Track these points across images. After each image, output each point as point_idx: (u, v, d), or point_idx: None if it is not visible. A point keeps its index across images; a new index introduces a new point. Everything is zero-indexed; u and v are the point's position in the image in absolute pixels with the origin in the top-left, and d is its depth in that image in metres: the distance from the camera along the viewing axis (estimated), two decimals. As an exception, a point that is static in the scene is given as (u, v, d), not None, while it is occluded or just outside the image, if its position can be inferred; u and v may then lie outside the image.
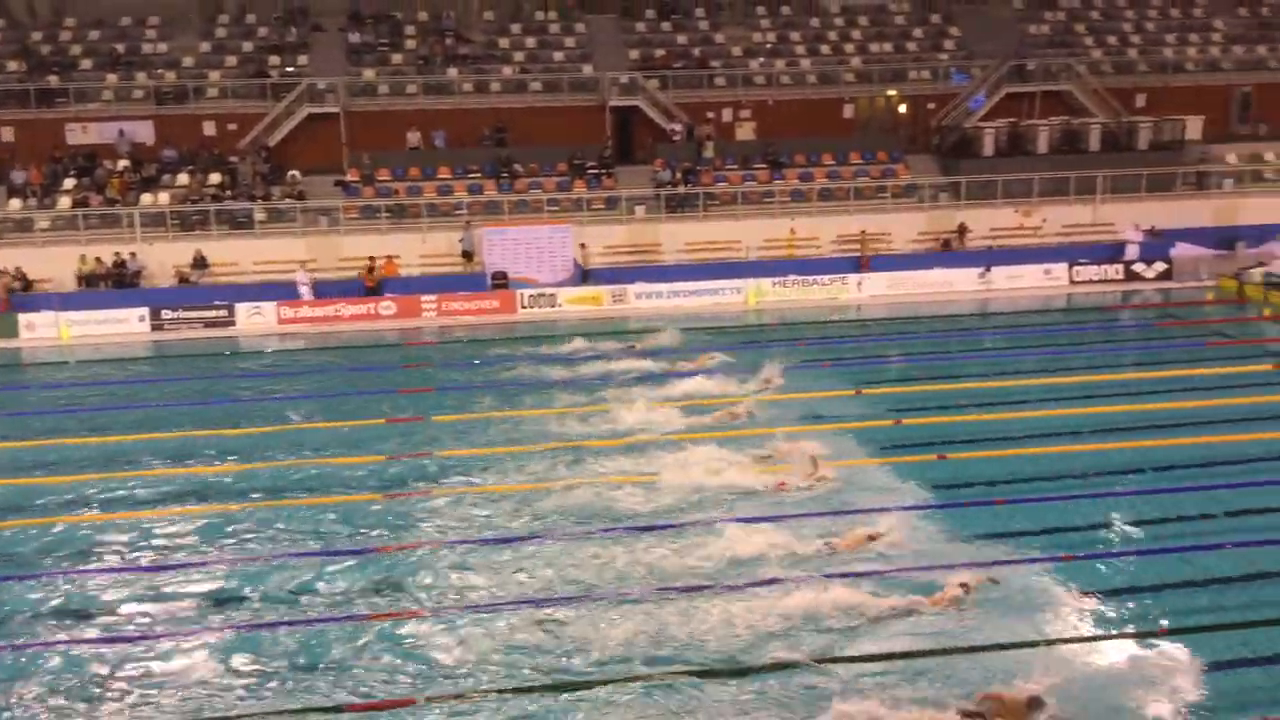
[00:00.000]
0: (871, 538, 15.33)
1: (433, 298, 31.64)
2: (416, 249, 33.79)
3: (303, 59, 38.13)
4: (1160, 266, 33.19)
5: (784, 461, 18.31)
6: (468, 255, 33.33)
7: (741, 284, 32.30)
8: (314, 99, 36.47)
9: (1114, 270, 33.25)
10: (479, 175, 36.22)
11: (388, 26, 39.92)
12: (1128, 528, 16.29)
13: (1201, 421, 20.61)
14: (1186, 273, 33.16)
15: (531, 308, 31.78)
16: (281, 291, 31.69)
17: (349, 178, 35.50)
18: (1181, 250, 33.72)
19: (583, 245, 32.99)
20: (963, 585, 13.55)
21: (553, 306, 31.81)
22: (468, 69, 38.25)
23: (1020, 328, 29.02)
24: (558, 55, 39.23)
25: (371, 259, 32.38)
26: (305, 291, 31.74)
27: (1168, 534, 15.98)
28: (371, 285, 32.12)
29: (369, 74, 37.92)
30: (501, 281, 32.55)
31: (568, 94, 37.85)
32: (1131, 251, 33.39)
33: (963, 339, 27.99)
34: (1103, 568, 14.86)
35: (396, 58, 38.78)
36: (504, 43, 39.64)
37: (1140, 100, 39.74)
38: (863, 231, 33.95)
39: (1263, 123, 40.61)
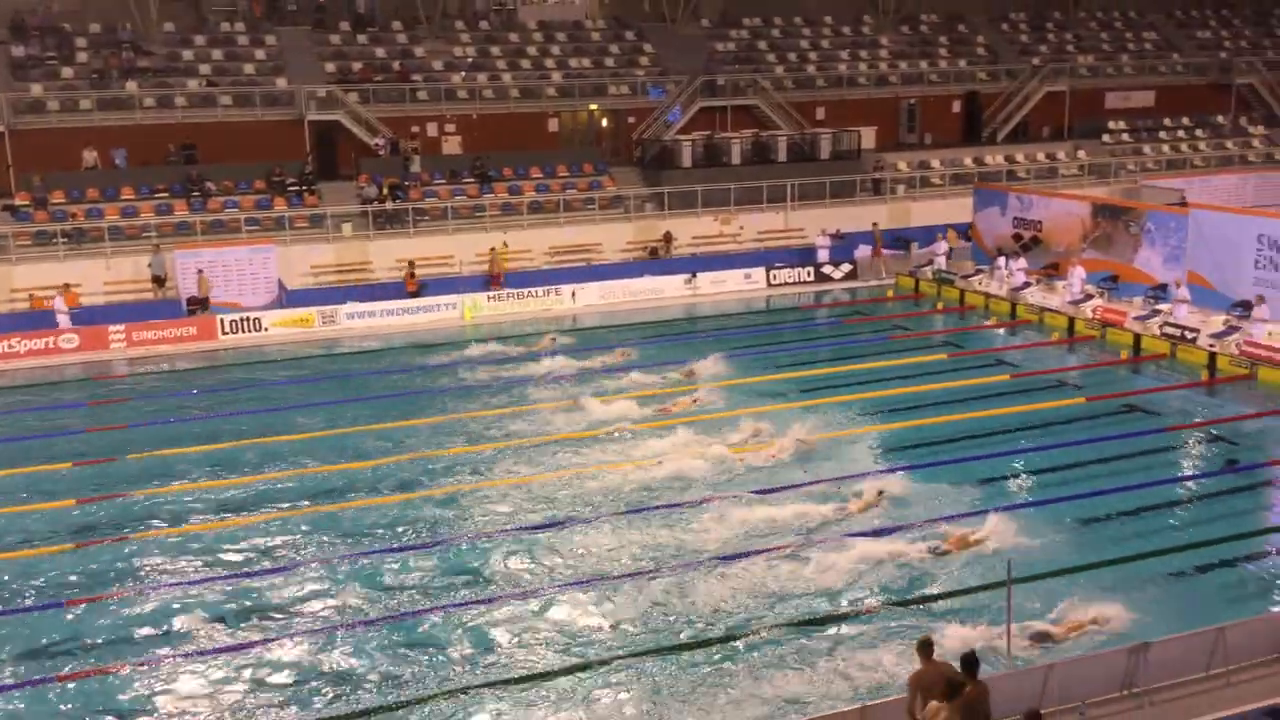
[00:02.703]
0: (879, 494, 17.31)
1: (120, 327, 29.39)
2: (100, 276, 31.35)
3: (-45, 72, 34.58)
4: (846, 267, 35.63)
5: (760, 440, 20.09)
6: (158, 280, 31.25)
7: (456, 299, 32.00)
8: (-28, 117, 33.16)
9: (806, 273, 35.38)
10: (167, 195, 34.02)
11: (56, 39, 36.78)
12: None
13: (890, 409, 22.32)
14: (869, 272, 35.79)
15: (234, 333, 30.13)
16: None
17: (18, 201, 32.41)
18: (864, 252, 36.37)
19: (200, 271, 30.95)
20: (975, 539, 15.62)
21: (258, 331, 30.31)
22: (148, 83, 35.88)
23: (726, 330, 30.26)
24: (248, 68, 37.49)
25: (411, 262, 32.09)
26: (64, 319, 29.14)
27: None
28: (413, 289, 31.59)
29: (36, 89, 34.78)
30: (199, 307, 30.71)
31: (261, 108, 36.22)
32: (822, 254, 35.68)
33: (676, 343, 28.73)
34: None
35: (67, 72, 35.82)
36: (188, 55, 37.46)
37: (820, 113, 42.55)
38: (492, 249, 33.41)
39: (927, 132, 44.50)
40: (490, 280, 32.99)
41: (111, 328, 29.29)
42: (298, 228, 33.91)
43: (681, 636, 13.85)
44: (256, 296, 31.63)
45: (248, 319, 30.33)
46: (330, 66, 38.22)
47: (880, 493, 17.44)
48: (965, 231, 35.99)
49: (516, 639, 13.94)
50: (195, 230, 32.90)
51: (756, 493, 18.00)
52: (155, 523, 17.72)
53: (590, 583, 15.25)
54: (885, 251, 36.30)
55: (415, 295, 31.88)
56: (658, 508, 17.64)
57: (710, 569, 15.42)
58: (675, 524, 17.01)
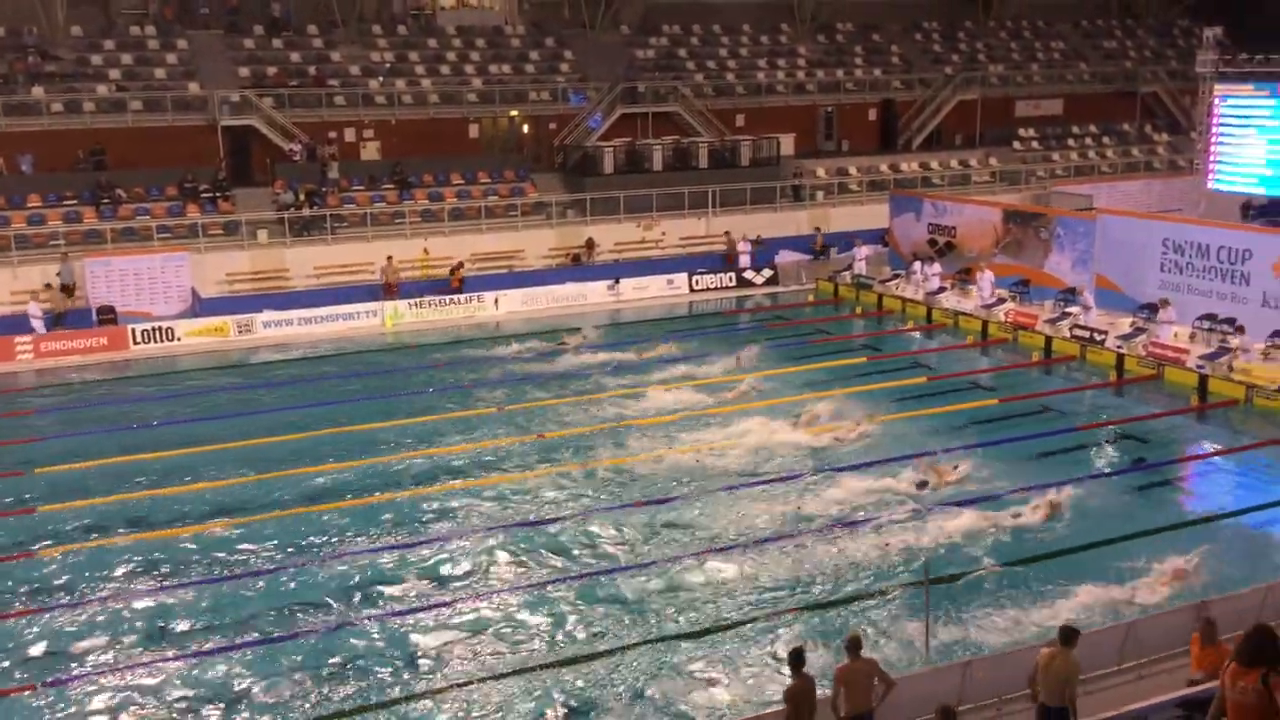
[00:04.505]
0: (952, 468, 18.53)
1: (28, 338, 28.54)
2: (6, 285, 30.40)
3: None
4: (768, 273, 35.99)
5: (821, 423, 21.30)
6: (67, 289, 30.42)
7: (377, 306, 31.65)
8: None
9: (728, 278, 35.65)
10: (75, 202, 33.15)
11: (-45, 40, 35.67)
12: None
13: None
14: (790, 277, 36.19)
15: (145, 343, 29.44)
16: None
17: (-84, 208, 31.39)
18: (784, 257, 36.77)
19: (49, 286, 30.08)
20: (1052, 503, 17.06)
21: (171, 340, 29.65)
22: (55, 87, 34.91)
23: (654, 336, 30.16)
24: (159, 72, 36.67)
25: (460, 263, 33.28)
26: (39, 325, 28.43)
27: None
28: (456, 285, 32.62)
29: (-65, 92, 33.73)
30: (109, 316, 29.95)
31: (173, 113, 35.42)
32: (744, 260, 35.98)
33: (603, 352, 28.63)
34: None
35: (-32, 75, 34.76)
36: (96, 59, 36.52)
37: (740, 120, 42.93)
38: (389, 258, 32.84)
39: (844, 140, 45.15)
40: (384, 290, 32.46)
41: (18, 338, 28.43)
42: (211, 235, 33.27)
43: (809, 595, 14.96)
44: (169, 306, 30.95)
45: (160, 329, 29.66)
46: (244, 71, 37.57)
47: (956, 467, 18.66)
48: (882, 237, 36.58)
49: (665, 602, 14.91)
50: (105, 238, 32.11)
51: (840, 469, 19.14)
52: (66, 538, 17.24)
53: (711, 552, 16.24)
54: (806, 257, 36.80)
55: (459, 291, 32.69)
56: (753, 484, 18.71)
57: (820, 537, 16.52)
58: (774, 498, 18.09)
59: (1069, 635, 10.42)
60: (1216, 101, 37.92)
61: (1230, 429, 22.03)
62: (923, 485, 18.17)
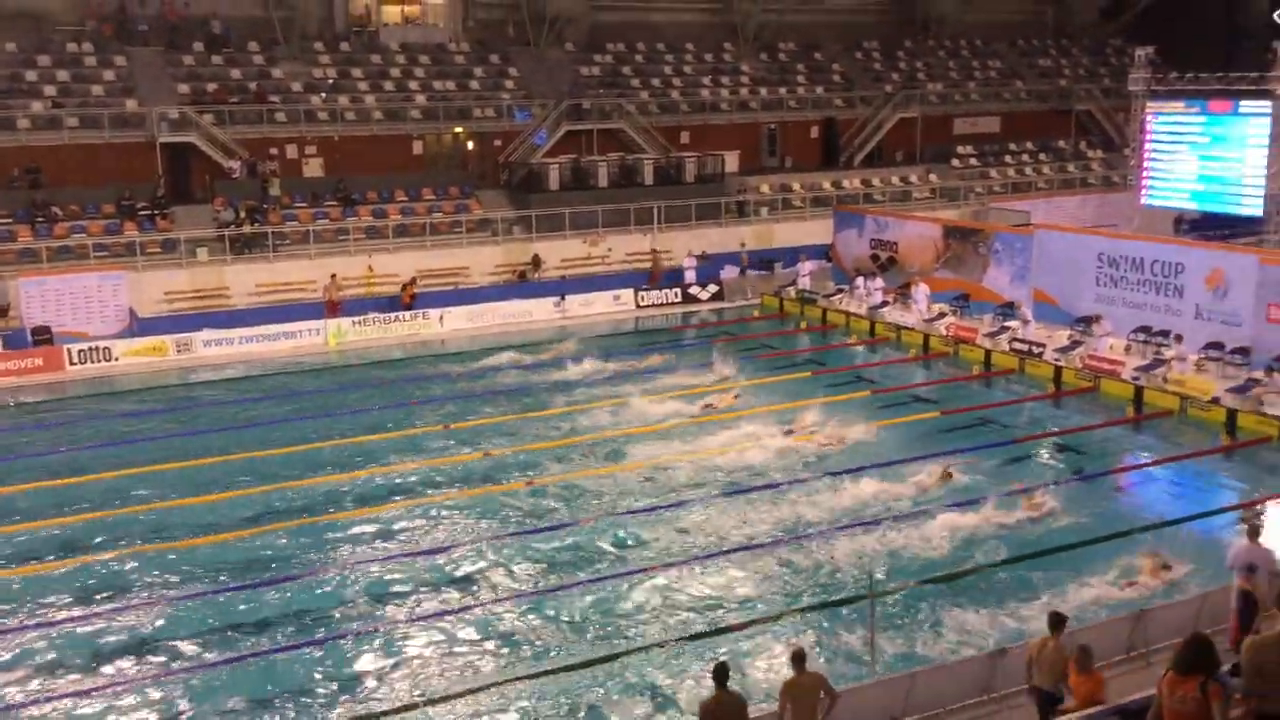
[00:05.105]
0: (948, 474, 19.09)
1: (-41, 359, 27.95)
2: (-64, 306, 29.76)
3: None
4: (713, 288, 36.17)
5: (806, 432, 21.71)
6: (1, 310, 29.79)
7: (320, 325, 31.35)
8: None
9: (674, 294, 35.80)
10: (10, 220, 32.48)
11: (-116, 55, 34.86)
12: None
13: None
14: (734, 293, 36.40)
15: (82, 364, 28.90)
16: None
17: None
18: (729, 273, 36.99)
19: None
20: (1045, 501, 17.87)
21: (108, 360, 29.14)
22: (-12, 104, 34.28)
23: (597, 351, 30.17)
24: (96, 89, 36.08)
25: (413, 279, 33.23)
26: None
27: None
28: (407, 302, 32.50)
29: None
30: (45, 337, 29.36)
31: (110, 130, 34.85)
32: (689, 276, 36.14)
33: (543, 369, 28.66)
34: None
35: (-101, 91, 33.98)
36: (31, 76, 35.86)
37: (685, 137, 43.15)
38: (333, 275, 32.56)
39: (787, 157, 45.56)
40: (328, 308, 32.10)
41: (-52, 360, 27.82)
42: (150, 253, 32.75)
43: (809, 598, 15.32)
44: (106, 325, 30.41)
45: (96, 349, 29.14)
46: (184, 88, 37.09)
47: (948, 472, 19.21)
48: (826, 253, 36.92)
49: (658, 608, 15.17)
50: (41, 257, 31.49)
51: (832, 474, 19.66)
52: (1, 563, 16.87)
53: (711, 556, 16.58)
54: (751, 273, 37.07)
55: (409, 308, 32.50)
56: (749, 489, 19.17)
57: (820, 540, 16.94)
58: (773, 502, 18.62)
59: (1056, 621, 10.81)
60: (1149, 119, 38.73)
61: (1165, 439, 22.50)
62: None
